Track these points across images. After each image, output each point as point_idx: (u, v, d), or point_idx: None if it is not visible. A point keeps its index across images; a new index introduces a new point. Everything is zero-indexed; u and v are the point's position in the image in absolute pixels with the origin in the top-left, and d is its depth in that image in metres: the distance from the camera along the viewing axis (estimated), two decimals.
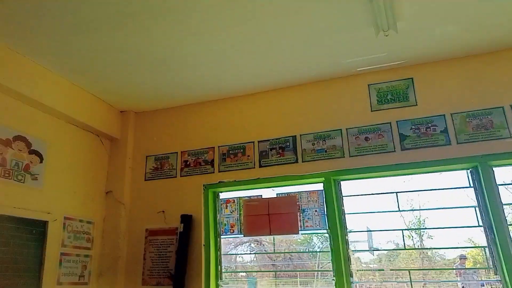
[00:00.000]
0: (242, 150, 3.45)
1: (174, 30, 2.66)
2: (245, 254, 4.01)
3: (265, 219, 3.25)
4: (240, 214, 3.36)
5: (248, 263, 4.46)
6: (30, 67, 2.97)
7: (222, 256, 3.35)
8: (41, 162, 3.07)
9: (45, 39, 2.73)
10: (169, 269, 3.31)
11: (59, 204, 3.16)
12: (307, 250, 4.27)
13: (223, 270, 3.31)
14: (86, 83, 3.35)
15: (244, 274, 3.80)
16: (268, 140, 3.40)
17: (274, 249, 3.57)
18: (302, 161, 3.25)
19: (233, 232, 3.38)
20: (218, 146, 3.53)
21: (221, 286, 3.24)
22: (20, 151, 2.94)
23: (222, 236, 3.39)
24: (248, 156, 3.41)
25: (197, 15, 2.52)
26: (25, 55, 2.90)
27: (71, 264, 3.21)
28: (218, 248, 3.34)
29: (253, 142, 3.44)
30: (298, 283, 3.62)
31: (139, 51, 2.90)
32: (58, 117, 3.25)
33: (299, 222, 3.17)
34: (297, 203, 3.23)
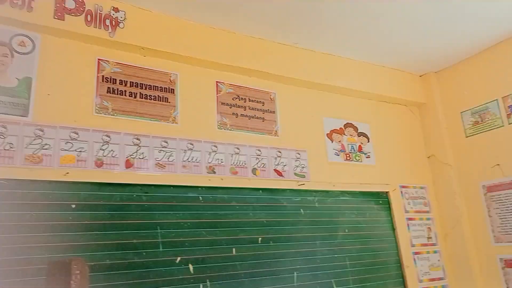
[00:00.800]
0: None
1: None
2: None
3: None
4: None
5: None
6: (336, 61, 3.34)
7: None
8: (368, 142, 3.44)
9: (341, 33, 3.03)
10: None
11: (392, 175, 3.45)
12: None
13: None
14: (385, 60, 3.51)
15: None
16: None
17: None
18: None
19: None
20: None
21: None
22: (351, 136, 3.37)
23: None
24: None
25: None
26: (333, 53, 3.31)
27: (417, 227, 3.44)
28: None
29: None
30: None
31: (428, 12, 2.80)
32: (371, 99, 3.55)
33: None
34: None
